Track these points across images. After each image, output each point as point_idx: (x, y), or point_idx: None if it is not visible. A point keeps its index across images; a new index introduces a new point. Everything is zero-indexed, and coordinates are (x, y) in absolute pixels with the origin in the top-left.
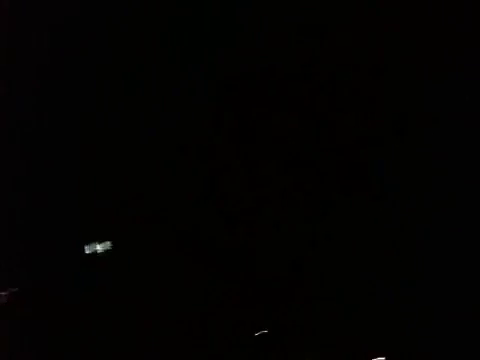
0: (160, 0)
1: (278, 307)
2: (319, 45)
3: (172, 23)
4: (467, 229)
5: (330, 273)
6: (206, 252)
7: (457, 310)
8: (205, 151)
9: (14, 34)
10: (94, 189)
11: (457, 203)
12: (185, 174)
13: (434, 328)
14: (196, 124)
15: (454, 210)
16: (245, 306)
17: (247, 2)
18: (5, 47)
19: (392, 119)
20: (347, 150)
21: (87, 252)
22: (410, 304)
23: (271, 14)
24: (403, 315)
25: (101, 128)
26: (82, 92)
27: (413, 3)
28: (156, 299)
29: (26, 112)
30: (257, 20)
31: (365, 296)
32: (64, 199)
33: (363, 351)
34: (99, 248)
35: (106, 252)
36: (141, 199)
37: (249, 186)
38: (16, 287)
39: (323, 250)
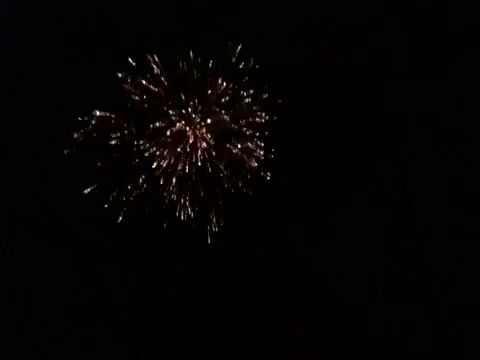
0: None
1: (278, 308)
2: (319, 45)
3: (172, 22)
4: (468, 229)
5: (330, 273)
6: (205, 252)
7: (457, 310)
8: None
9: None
10: (94, 189)
11: (457, 203)
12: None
13: (435, 329)
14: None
15: (454, 210)
16: (244, 307)
17: (248, 2)
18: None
19: (391, 119)
20: (347, 150)
21: None
22: (410, 305)
23: (271, 13)
24: (403, 315)
25: (101, 127)
26: (81, 91)
27: (413, 3)
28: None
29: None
30: (257, 19)
31: (365, 296)
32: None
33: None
34: None
35: None
36: (140, 198)
37: (248, 186)
38: None
39: (323, 250)
